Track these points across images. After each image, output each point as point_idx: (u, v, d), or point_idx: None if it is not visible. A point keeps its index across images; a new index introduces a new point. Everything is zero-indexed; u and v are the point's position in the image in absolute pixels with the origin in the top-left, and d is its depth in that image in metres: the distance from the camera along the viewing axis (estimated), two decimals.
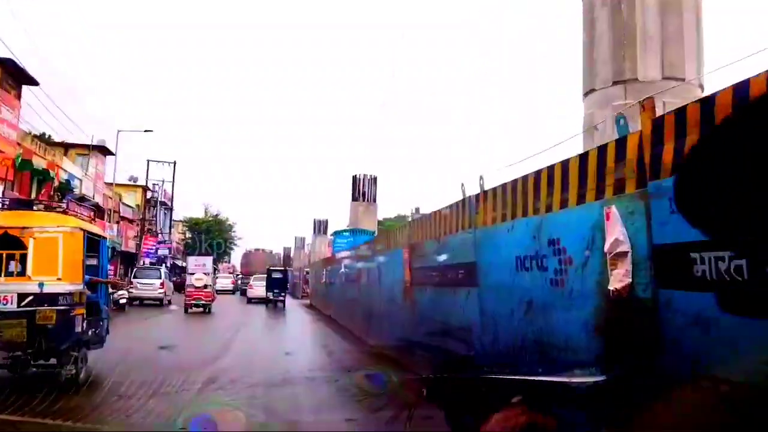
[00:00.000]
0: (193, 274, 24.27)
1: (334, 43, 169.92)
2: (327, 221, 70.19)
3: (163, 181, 48.22)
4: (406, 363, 8.62)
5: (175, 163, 47.52)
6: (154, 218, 45.56)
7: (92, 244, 9.31)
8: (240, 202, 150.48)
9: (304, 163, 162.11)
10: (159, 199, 63.77)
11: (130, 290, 29.06)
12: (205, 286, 23.83)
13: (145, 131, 38.72)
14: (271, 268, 35.47)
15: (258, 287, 35.08)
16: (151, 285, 29.02)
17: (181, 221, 67.11)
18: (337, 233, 32.14)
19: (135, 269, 30.81)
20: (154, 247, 41.75)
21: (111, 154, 44.82)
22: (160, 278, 29.39)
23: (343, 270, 18.16)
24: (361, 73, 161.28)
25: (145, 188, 46.48)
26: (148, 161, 46.67)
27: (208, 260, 26.86)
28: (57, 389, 5.46)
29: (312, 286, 33.46)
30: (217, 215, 64.69)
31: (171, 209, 52.58)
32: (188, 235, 64.58)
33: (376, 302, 12.47)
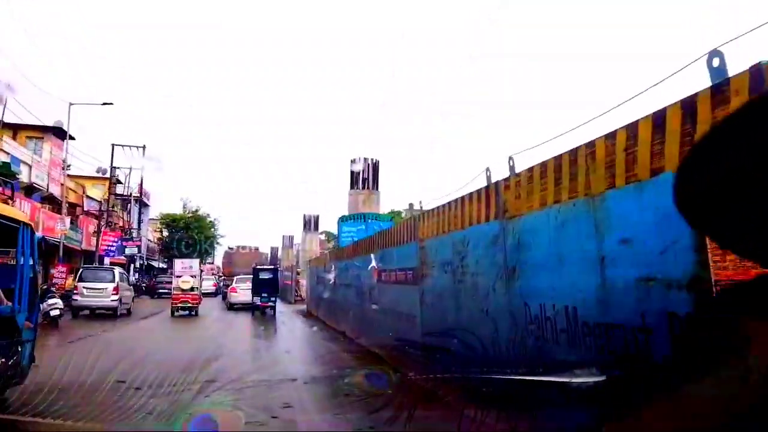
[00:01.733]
0: (180, 276, 23.15)
1: (324, 38, 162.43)
2: (318, 217, 63.08)
3: (131, 169, 40.50)
4: None
5: (144, 147, 39.96)
6: (114, 210, 37.79)
7: (6, 233, 6.73)
8: (223, 199, 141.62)
9: (291, 161, 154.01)
10: (130, 192, 56.41)
11: (74, 297, 21.87)
12: (192, 289, 22.93)
13: (103, 104, 31.09)
14: (258, 266, 28.16)
15: (242, 290, 27.95)
16: (100, 291, 21.70)
17: (157, 219, 59.44)
18: (342, 220, 24.94)
19: (81, 270, 23.31)
20: (116, 244, 34.06)
21: (70, 138, 37.31)
22: (113, 281, 22.02)
23: (374, 265, 11.05)
24: (355, 70, 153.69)
25: (110, 178, 38.80)
26: (113, 146, 39.06)
27: (195, 263, 25.07)
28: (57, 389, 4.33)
29: (310, 288, 26.17)
30: (196, 211, 57.04)
31: (141, 201, 44.86)
32: (165, 233, 56.89)
33: (502, 331, 5.29)
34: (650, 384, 2.50)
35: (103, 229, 33.26)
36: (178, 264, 24.73)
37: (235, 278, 31.35)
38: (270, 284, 25.52)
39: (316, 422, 5.13)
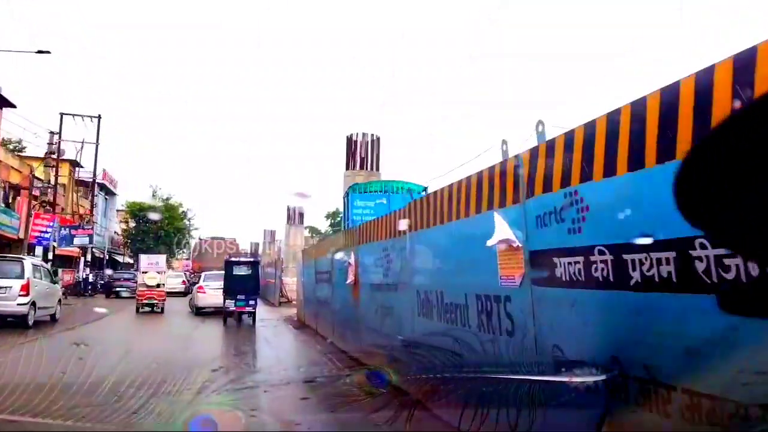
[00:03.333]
0: (146, 272, 21.73)
1: (323, 37, 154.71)
2: (302, 209, 56.27)
3: (83, 144, 32.79)
4: None
5: (99, 117, 32.41)
6: (49, 186, 29.84)
7: None
8: (199, 190, 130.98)
9: (278, 157, 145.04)
10: (94, 180, 49.13)
11: None
12: (158, 285, 21.70)
13: (38, 52, 23.65)
14: (233, 259, 21.00)
15: (213, 290, 20.98)
16: (1, 291, 14.61)
17: (123, 210, 51.58)
18: (354, 191, 18.02)
19: None
20: (50, 230, 26.41)
21: (10, 105, 29.88)
22: (21, 278, 14.91)
23: (512, 241, 4.19)
24: (353, 70, 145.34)
25: (55, 147, 31.21)
26: (62, 114, 31.47)
27: (162, 258, 23.89)
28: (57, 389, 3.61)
29: (303, 289, 19.09)
30: (167, 199, 49.46)
31: (93, 182, 37.16)
32: (132, 224, 49.20)
33: None
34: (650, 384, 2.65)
35: (35, 211, 25.60)
36: (144, 259, 22.96)
37: (203, 274, 24.25)
38: (249, 283, 18.50)
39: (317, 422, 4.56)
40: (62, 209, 36.92)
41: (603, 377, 2.63)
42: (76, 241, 30.18)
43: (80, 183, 43.89)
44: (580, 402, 2.51)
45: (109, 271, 35.52)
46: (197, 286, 22.60)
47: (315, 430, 4.52)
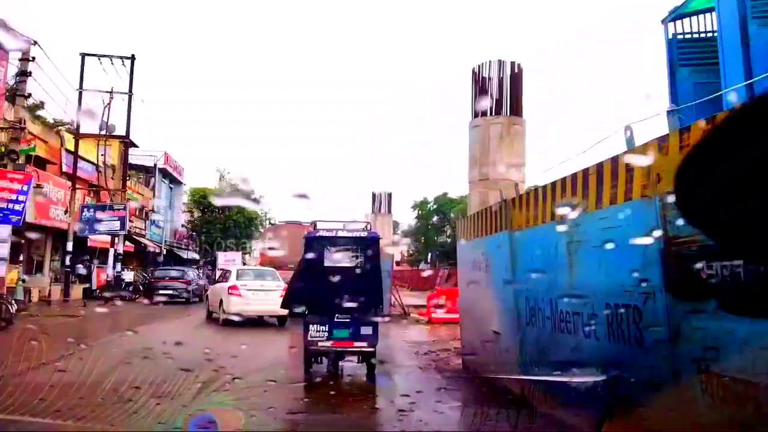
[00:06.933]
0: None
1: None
2: (390, 195, 44.98)
3: (111, 95, 23.03)
4: None
5: (133, 58, 22.64)
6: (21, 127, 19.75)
7: None
8: (268, 177, 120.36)
9: (350, 131, 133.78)
10: (157, 164, 40.44)
11: None
12: None
13: None
14: (324, 233, 9.24)
15: (250, 292, 11.83)
16: None
17: (187, 205, 42.51)
18: None
19: None
20: (23, 198, 16.04)
21: None
22: None
23: None
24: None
25: (22, 76, 21.47)
26: (83, 55, 21.81)
27: (238, 255, 24.17)
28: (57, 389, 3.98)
29: (499, 302, 7.66)
30: (235, 185, 39.84)
31: (127, 144, 27.17)
32: (197, 215, 39.93)
33: None
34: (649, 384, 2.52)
35: None
36: (221, 257, 24.54)
37: (234, 270, 15.07)
38: (358, 287, 7.69)
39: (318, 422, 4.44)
40: (111, 193, 27.72)
41: (603, 377, 2.51)
42: (102, 226, 20.58)
43: (133, 168, 34.66)
44: (580, 402, 2.38)
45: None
46: (229, 285, 13.50)
47: (315, 430, 4.26)
